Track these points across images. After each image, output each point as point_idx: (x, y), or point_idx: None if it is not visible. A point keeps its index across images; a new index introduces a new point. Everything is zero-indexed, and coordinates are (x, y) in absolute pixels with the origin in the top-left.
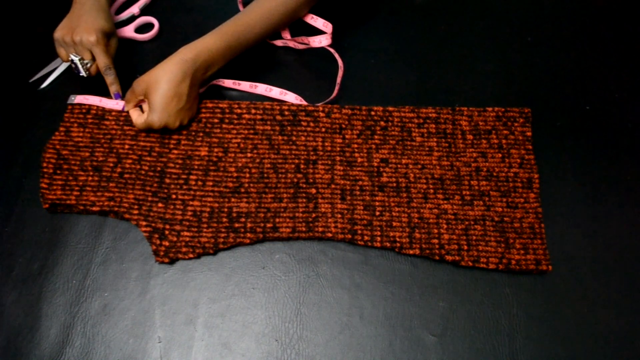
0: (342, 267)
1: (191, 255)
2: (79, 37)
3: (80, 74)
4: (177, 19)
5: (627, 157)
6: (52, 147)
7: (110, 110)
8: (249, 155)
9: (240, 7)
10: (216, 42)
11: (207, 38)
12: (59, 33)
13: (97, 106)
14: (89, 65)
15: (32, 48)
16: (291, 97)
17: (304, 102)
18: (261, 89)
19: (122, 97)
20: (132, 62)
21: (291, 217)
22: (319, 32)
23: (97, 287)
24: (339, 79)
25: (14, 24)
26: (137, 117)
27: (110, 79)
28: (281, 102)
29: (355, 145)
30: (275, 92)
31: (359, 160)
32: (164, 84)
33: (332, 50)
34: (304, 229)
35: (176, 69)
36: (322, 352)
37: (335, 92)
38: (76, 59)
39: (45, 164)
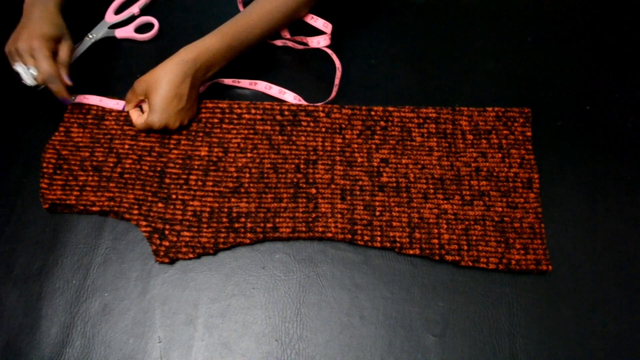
0: (342, 267)
1: (191, 255)
2: (20, 45)
3: (28, 84)
4: (177, 19)
5: (627, 157)
6: (52, 147)
7: (110, 111)
8: (249, 155)
9: (240, 7)
10: (217, 42)
11: (208, 39)
12: (7, 46)
13: (97, 106)
14: (34, 73)
15: None
16: (290, 96)
17: (303, 102)
18: (261, 86)
19: (71, 103)
20: (132, 62)
21: (291, 217)
22: (319, 32)
23: (97, 287)
24: (337, 80)
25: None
26: (137, 118)
27: (54, 87)
28: (281, 102)
29: (355, 145)
30: (274, 90)
31: (359, 160)
32: (164, 85)
33: (329, 51)
34: (304, 229)
35: (177, 69)
36: (322, 352)
37: (334, 93)
38: (20, 67)
39: (45, 164)
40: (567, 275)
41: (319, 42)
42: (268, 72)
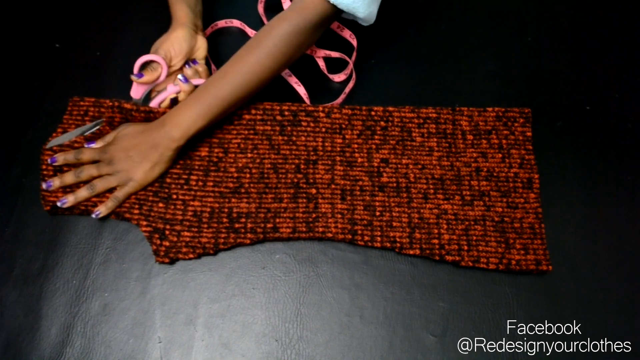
0: (342, 267)
1: (191, 256)
2: None
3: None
4: None
5: (627, 157)
6: (50, 150)
7: (106, 112)
8: (249, 155)
9: (260, 7)
10: (202, 122)
11: (194, 122)
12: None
13: (94, 108)
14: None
15: (31, 49)
16: (302, 90)
17: (308, 101)
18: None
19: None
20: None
21: (291, 218)
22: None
23: (97, 287)
24: (347, 89)
25: (22, 30)
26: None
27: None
28: (281, 102)
29: (356, 146)
30: (293, 79)
31: (359, 160)
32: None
33: (350, 61)
34: (304, 229)
35: (170, 165)
36: (322, 352)
37: (340, 99)
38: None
39: (44, 166)
40: (567, 275)
41: (340, 77)
42: None
